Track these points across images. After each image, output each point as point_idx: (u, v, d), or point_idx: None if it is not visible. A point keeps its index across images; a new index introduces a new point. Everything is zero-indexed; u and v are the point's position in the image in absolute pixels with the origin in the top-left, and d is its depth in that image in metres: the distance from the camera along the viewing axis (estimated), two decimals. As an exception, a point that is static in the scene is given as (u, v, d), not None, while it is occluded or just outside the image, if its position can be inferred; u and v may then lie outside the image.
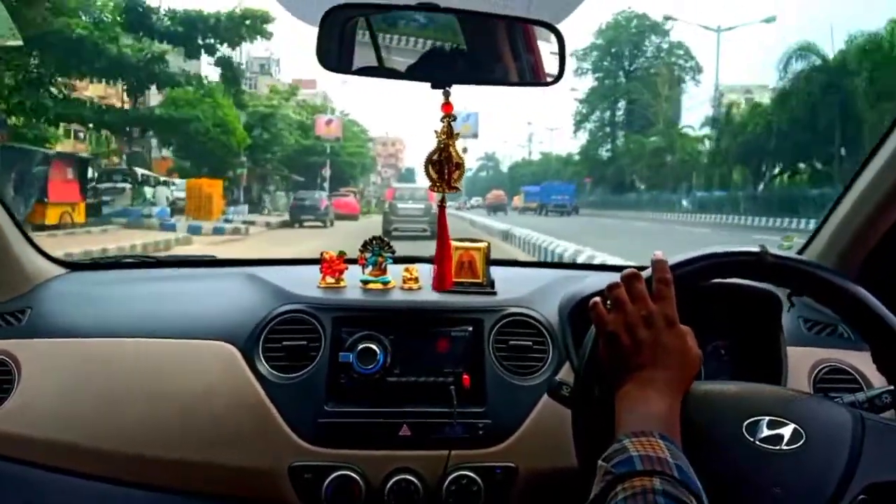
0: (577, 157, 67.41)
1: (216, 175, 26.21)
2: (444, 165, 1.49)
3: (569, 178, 62.13)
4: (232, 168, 29.67)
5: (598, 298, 1.04)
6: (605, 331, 1.01)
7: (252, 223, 23.87)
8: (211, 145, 25.04)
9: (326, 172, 40.91)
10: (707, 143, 42.43)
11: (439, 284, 1.57)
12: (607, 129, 61.73)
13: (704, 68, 58.35)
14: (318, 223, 25.74)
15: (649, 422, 0.91)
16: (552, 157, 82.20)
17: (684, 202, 41.93)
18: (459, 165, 1.50)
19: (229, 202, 28.70)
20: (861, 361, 1.45)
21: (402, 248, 1.77)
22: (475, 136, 45.78)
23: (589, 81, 63.20)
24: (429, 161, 1.51)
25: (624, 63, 61.53)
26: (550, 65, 1.43)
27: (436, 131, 1.50)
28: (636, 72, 60.45)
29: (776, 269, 1.09)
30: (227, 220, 23.12)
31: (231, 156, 27.60)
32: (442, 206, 1.57)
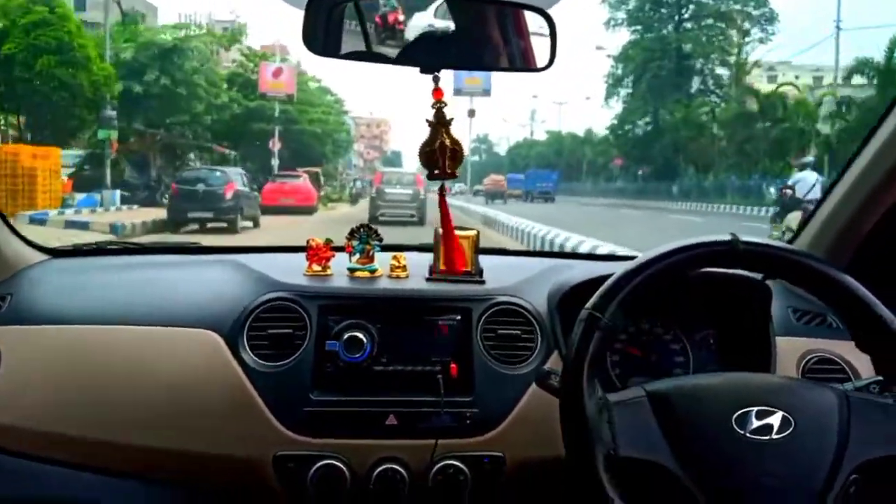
0: (602, 134, 53.88)
1: (60, 140, 17.80)
2: (440, 154, 1.47)
3: (591, 160, 55.89)
4: (84, 127, 20.26)
5: None
6: None
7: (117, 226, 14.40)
8: (48, 89, 16.52)
9: (275, 146, 30.24)
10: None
11: (449, 268, 1.55)
12: (646, 97, 44.71)
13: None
14: (220, 222, 16.15)
15: None
16: (564, 136, 68.74)
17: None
18: (455, 152, 1.48)
19: (90, 185, 19.47)
20: (849, 351, 1.45)
21: (390, 235, 1.75)
22: (487, 92, 35.24)
23: (623, 37, 48.25)
24: (423, 151, 1.48)
25: (672, 10, 45.73)
26: (541, 50, 1.42)
27: (428, 120, 1.47)
28: (689, 21, 45.44)
29: (747, 255, 1.10)
30: (60, 213, 15.34)
31: (81, 107, 18.11)
32: (442, 195, 1.55)
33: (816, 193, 11.43)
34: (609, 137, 51.29)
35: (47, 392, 1.40)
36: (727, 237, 1.10)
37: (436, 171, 1.48)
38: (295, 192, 22.72)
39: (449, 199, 1.58)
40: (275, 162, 30.00)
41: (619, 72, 47.31)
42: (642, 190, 45.10)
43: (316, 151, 37.30)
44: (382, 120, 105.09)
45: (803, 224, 1.72)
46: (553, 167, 57.21)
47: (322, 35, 1.38)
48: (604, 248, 8.68)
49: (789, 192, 12.50)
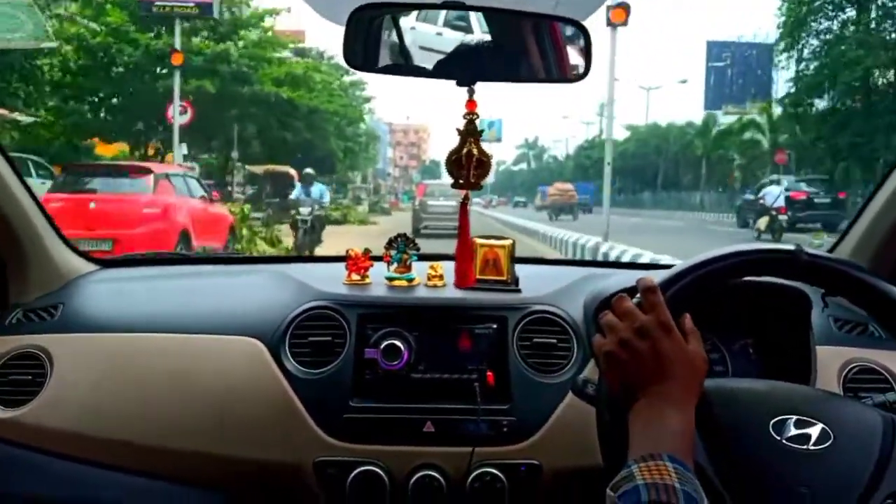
0: (748, 119, 37.75)
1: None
2: (466, 163, 1.49)
3: (741, 151, 38.03)
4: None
5: (597, 336, 1.01)
6: (602, 353, 0.98)
7: None
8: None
9: (177, 113, 17.68)
10: None
11: (461, 281, 1.58)
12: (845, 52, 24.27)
13: None
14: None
15: (660, 441, 0.89)
16: (664, 128, 51.31)
17: None
18: (482, 163, 1.50)
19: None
20: (892, 361, 1.43)
21: (430, 247, 1.77)
22: (499, 140, 42.53)
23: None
24: (449, 159, 1.51)
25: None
26: (576, 60, 1.43)
27: (458, 129, 1.50)
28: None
29: (811, 268, 1.07)
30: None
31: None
32: (464, 204, 1.58)
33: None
34: (764, 120, 35.12)
35: (95, 397, 1.45)
36: (791, 247, 1.07)
37: (461, 181, 1.51)
38: (112, 220, 9.51)
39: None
40: (180, 151, 18.01)
41: (803, 11, 26.41)
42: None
43: (320, 151, 28.19)
44: (421, 126, 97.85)
45: (845, 232, 1.69)
46: (646, 170, 48.49)
47: (361, 49, 1.42)
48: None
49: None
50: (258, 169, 23.63)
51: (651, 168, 50.33)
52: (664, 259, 6.79)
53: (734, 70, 50.11)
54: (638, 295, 1.00)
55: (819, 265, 1.07)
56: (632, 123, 56.33)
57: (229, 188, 23.57)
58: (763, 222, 16.88)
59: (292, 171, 21.33)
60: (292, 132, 25.05)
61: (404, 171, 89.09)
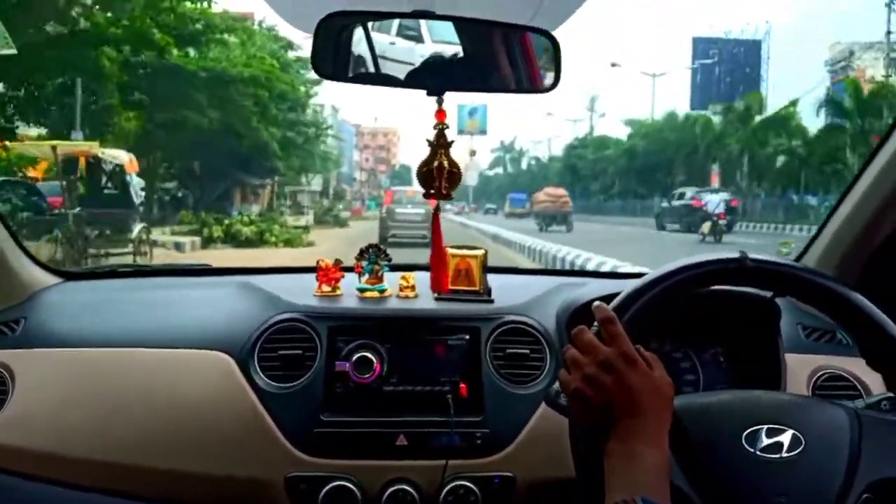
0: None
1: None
2: (437, 175, 1.49)
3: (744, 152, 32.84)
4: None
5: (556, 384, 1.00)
6: (569, 391, 0.97)
7: None
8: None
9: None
10: None
11: (436, 287, 1.58)
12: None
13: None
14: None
15: (635, 483, 0.88)
16: (682, 119, 41.53)
17: None
18: (452, 174, 1.51)
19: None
20: (860, 368, 1.44)
21: (400, 256, 1.76)
22: (483, 132, 38.64)
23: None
24: (420, 171, 1.52)
25: None
26: (547, 71, 1.43)
27: (428, 140, 1.50)
28: None
29: (757, 273, 1.10)
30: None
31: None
32: (436, 213, 1.58)
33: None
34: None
35: (59, 414, 1.41)
36: (736, 254, 1.10)
37: (431, 192, 1.51)
38: None
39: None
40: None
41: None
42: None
43: (246, 140, 21.16)
44: (390, 129, 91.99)
45: (812, 240, 1.72)
46: (658, 168, 40.23)
47: (331, 58, 1.40)
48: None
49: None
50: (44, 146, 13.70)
51: (664, 166, 40.96)
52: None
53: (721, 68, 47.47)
54: (595, 324, 1.00)
55: (764, 269, 1.10)
56: (634, 118, 47.25)
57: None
58: (707, 226, 19.80)
59: (122, 156, 13.18)
60: (194, 109, 18.02)
61: (372, 174, 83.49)
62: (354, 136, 72.93)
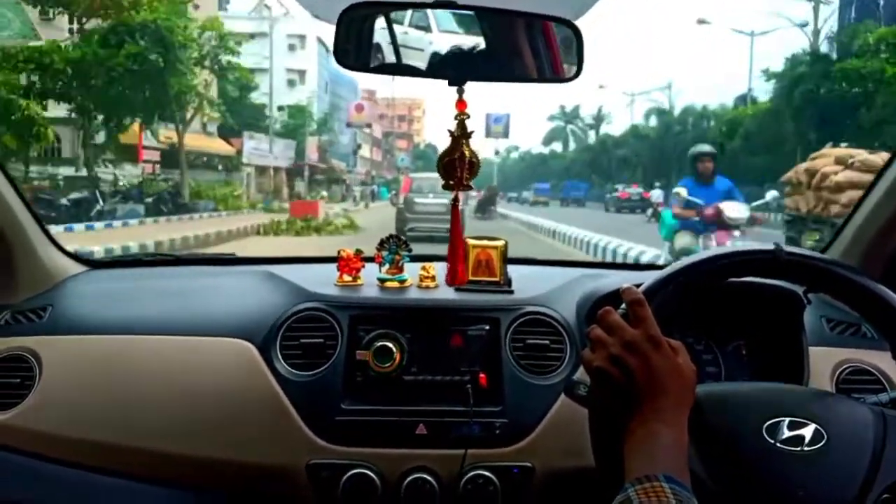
0: None
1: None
2: (459, 165, 1.50)
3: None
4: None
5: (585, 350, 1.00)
6: (592, 370, 0.97)
7: None
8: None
9: None
10: None
11: (452, 279, 1.58)
12: None
13: None
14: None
15: (656, 461, 0.88)
16: (741, 111, 32.68)
17: None
18: (473, 164, 1.52)
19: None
20: (884, 362, 1.43)
21: (419, 248, 1.76)
22: (506, 136, 47.11)
23: None
24: (442, 161, 1.53)
25: None
26: (569, 60, 1.42)
27: (449, 131, 1.50)
28: None
29: (792, 266, 1.08)
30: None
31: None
32: (455, 204, 1.59)
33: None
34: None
35: (85, 400, 1.43)
36: (770, 246, 1.08)
37: (451, 182, 1.53)
38: None
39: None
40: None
41: None
42: None
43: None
44: (413, 101, 76.67)
45: (837, 232, 1.69)
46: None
47: (353, 48, 1.41)
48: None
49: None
50: None
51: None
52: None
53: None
54: (623, 305, 0.99)
55: (799, 262, 1.08)
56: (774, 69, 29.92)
57: None
58: (649, 213, 23.86)
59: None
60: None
61: (388, 153, 67.18)
62: (357, 96, 54.63)
